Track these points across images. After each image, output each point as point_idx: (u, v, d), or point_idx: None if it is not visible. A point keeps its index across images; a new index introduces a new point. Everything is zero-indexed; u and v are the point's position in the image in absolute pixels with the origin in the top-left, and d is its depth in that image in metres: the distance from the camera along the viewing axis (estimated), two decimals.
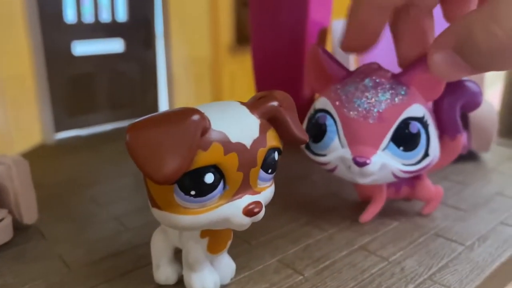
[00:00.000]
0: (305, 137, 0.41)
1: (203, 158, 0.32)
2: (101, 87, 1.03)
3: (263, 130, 0.36)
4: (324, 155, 0.51)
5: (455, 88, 0.51)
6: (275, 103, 0.37)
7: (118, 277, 0.45)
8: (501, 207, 0.60)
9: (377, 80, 0.49)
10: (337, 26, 0.86)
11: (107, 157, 0.83)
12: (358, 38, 0.46)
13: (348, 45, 0.47)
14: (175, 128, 0.32)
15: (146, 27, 1.07)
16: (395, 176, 0.49)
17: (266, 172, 0.37)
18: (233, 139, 0.34)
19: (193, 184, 0.33)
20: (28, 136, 0.93)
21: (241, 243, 0.51)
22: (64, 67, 0.97)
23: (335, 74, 0.52)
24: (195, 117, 0.32)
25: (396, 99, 0.48)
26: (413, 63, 0.49)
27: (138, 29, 1.06)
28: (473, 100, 0.53)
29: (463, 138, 0.55)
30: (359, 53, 0.49)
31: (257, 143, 0.35)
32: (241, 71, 1.21)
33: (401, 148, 0.48)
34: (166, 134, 0.31)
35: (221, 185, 0.34)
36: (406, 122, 0.48)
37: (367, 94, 0.48)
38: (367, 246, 0.50)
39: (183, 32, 1.16)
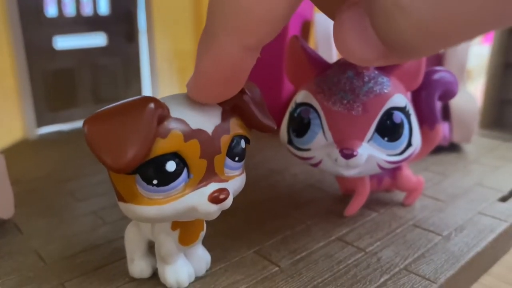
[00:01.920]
0: (272, 124, 0.40)
1: (162, 146, 0.32)
2: (83, 82, 1.02)
3: (226, 117, 0.36)
4: (308, 150, 0.50)
5: (431, 78, 0.52)
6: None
7: (93, 271, 0.44)
8: (480, 197, 0.60)
9: (359, 71, 0.48)
10: (320, 19, 0.86)
11: (88, 152, 0.82)
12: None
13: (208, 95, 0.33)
14: (131, 117, 0.31)
15: (128, 21, 1.06)
16: (380, 167, 0.49)
17: (233, 160, 0.37)
18: (193, 126, 0.34)
19: (154, 173, 0.33)
20: (9, 132, 0.92)
21: (218, 235, 0.51)
22: (46, 62, 0.96)
23: (315, 67, 0.51)
24: (151, 105, 0.32)
25: (379, 89, 0.48)
26: None
27: (120, 22, 1.05)
28: (450, 89, 0.53)
29: (441, 128, 0.55)
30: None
31: (219, 129, 0.35)
32: None
33: (386, 138, 0.48)
34: (122, 123, 0.31)
35: (184, 173, 0.34)
36: (389, 113, 0.48)
37: (350, 86, 0.48)
38: (344, 237, 0.50)
39: (166, 26, 1.15)
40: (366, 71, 0.49)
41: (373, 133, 0.47)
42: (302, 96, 0.51)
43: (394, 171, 0.55)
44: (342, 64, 0.50)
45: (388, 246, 0.48)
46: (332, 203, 0.59)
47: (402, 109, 0.49)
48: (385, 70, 0.49)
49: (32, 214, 0.57)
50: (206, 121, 0.34)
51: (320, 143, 0.49)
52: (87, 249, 0.48)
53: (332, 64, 0.51)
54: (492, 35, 0.94)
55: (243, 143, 0.37)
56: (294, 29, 0.90)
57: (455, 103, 0.76)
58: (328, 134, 0.48)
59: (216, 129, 0.35)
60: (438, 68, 0.53)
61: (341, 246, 0.48)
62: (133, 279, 0.43)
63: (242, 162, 0.38)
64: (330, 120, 0.48)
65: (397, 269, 0.44)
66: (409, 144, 0.49)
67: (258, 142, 0.84)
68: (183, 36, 1.21)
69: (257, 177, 0.69)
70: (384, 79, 0.48)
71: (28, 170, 0.75)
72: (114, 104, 0.33)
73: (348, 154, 0.46)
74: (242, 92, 0.37)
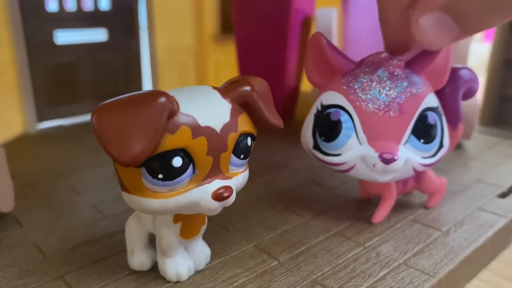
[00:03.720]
0: (279, 122, 0.40)
1: (170, 141, 0.32)
2: (84, 77, 1.02)
3: (234, 115, 0.36)
4: (338, 155, 0.47)
5: (455, 76, 0.50)
6: (247, 88, 0.37)
7: (92, 264, 0.44)
8: (479, 193, 0.61)
9: (391, 70, 0.46)
10: (321, 14, 0.86)
11: (88, 147, 0.83)
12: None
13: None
14: (141, 111, 0.31)
15: (129, 16, 1.06)
16: (415, 171, 0.47)
17: (238, 157, 0.37)
18: (202, 123, 0.33)
19: (160, 167, 0.33)
20: (10, 126, 0.92)
21: (219, 229, 0.51)
22: (46, 57, 0.96)
23: (341, 65, 0.48)
24: (162, 99, 0.31)
25: (414, 89, 0.46)
26: (421, 51, 0.47)
27: (121, 18, 1.05)
28: (472, 87, 0.52)
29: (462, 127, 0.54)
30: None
31: (227, 127, 0.35)
32: (226, 59, 1.21)
33: (422, 140, 0.46)
34: (132, 116, 0.31)
35: (190, 169, 0.34)
36: (424, 114, 0.46)
37: (383, 85, 0.46)
38: (344, 232, 0.50)
39: (167, 21, 1.15)
40: (399, 69, 0.46)
41: (409, 135, 0.46)
42: (330, 97, 0.48)
43: (418, 173, 0.51)
44: (370, 63, 0.47)
45: (387, 241, 0.48)
46: (332, 198, 0.59)
47: (435, 109, 0.47)
48: (415, 68, 0.47)
49: (32, 208, 0.57)
50: (215, 118, 0.34)
51: (352, 147, 0.46)
52: (87, 242, 0.49)
53: (358, 62, 0.48)
54: (492, 32, 0.94)
55: (249, 141, 0.37)
56: (295, 25, 0.89)
57: None
58: (362, 137, 0.45)
59: (225, 126, 0.35)
60: (459, 65, 0.51)
61: (340, 240, 0.48)
62: (133, 272, 0.43)
63: (247, 159, 0.38)
64: (364, 122, 0.45)
65: (396, 263, 0.44)
66: (441, 145, 0.48)
67: (259, 137, 0.84)
68: (183, 31, 1.21)
69: (258, 172, 0.69)
70: (417, 79, 0.46)
71: (28, 164, 0.75)
72: (124, 96, 0.32)
73: (388, 159, 0.44)
74: (252, 88, 0.37)
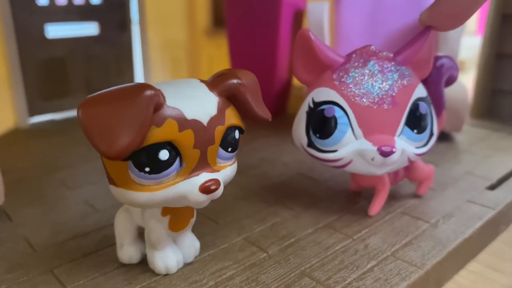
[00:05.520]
0: (267, 115, 0.41)
1: (157, 134, 0.32)
2: (75, 71, 1.01)
3: (221, 108, 0.36)
4: (334, 151, 0.47)
5: (437, 65, 0.51)
6: (234, 81, 0.37)
7: (82, 257, 0.45)
8: (469, 186, 0.61)
9: (381, 63, 0.47)
10: (313, 8, 0.86)
11: (80, 141, 0.82)
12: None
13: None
14: (127, 104, 0.31)
15: (121, 10, 1.06)
16: (409, 161, 0.48)
17: (226, 150, 0.37)
18: (189, 116, 0.34)
19: (147, 160, 0.33)
20: (1, 121, 0.91)
21: (209, 223, 0.51)
22: (37, 51, 0.95)
23: (331, 62, 0.48)
24: (148, 92, 0.31)
25: (405, 80, 0.47)
26: (407, 43, 0.48)
27: (113, 12, 1.04)
28: (453, 74, 0.53)
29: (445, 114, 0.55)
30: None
31: (214, 120, 0.35)
32: (219, 54, 1.21)
33: (415, 131, 0.47)
34: (118, 109, 0.31)
35: (177, 162, 0.34)
36: (416, 104, 0.47)
37: (375, 78, 0.46)
38: (333, 224, 0.50)
39: (159, 15, 1.14)
40: (388, 62, 0.47)
41: (403, 127, 0.46)
42: (322, 94, 0.48)
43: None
44: (359, 57, 0.48)
45: (376, 233, 0.49)
46: (322, 191, 0.59)
47: (425, 99, 0.48)
48: (402, 60, 0.48)
49: (23, 203, 0.57)
50: (202, 111, 0.34)
51: (348, 142, 0.46)
52: (77, 236, 0.49)
53: (346, 57, 0.49)
54: (483, 25, 0.94)
55: (237, 134, 0.38)
56: (286, 19, 0.89)
57: (446, 92, 0.77)
58: (358, 132, 0.46)
59: (212, 119, 0.35)
60: (438, 55, 0.53)
61: (329, 233, 0.49)
62: (122, 265, 0.43)
63: (235, 152, 0.38)
64: (359, 117, 0.46)
65: (384, 255, 0.44)
66: (431, 134, 0.49)
67: (250, 131, 0.84)
68: (175, 26, 1.21)
69: (249, 165, 0.69)
70: (406, 70, 0.47)
71: (19, 159, 0.75)
72: (110, 89, 0.32)
73: (387, 151, 0.44)
74: (239, 81, 0.37)
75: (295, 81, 1.02)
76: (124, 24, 1.06)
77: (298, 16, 0.93)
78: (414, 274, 0.41)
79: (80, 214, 0.54)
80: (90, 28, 1.02)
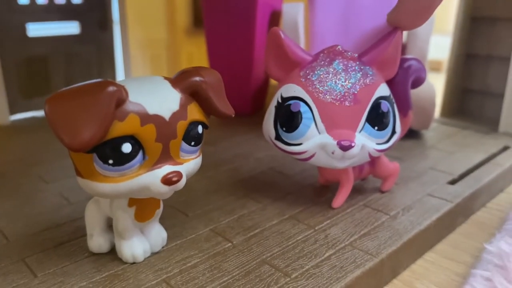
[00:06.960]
0: (229, 112, 0.43)
1: (119, 128, 0.34)
2: (57, 69, 1.03)
3: (183, 104, 0.38)
4: (299, 144, 0.49)
5: (403, 66, 0.54)
6: (197, 78, 0.39)
7: (53, 247, 0.46)
8: (431, 180, 0.64)
9: (345, 62, 0.50)
10: (288, 9, 0.88)
11: None
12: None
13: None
14: (90, 99, 0.33)
15: (102, 9, 1.07)
16: (370, 156, 0.50)
17: (189, 144, 0.39)
18: (151, 111, 0.36)
19: (111, 153, 0.35)
20: None
21: (179, 215, 0.53)
22: (18, 49, 0.97)
23: (298, 59, 0.51)
24: (110, 88, 0.33)
25: (367, 79, 0.49)
26: (372, 44, 0.51)
27: (93, 11, 1.06)
28: (420, 76, 0.56)
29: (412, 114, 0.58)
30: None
31: (176, 115, 0.37)
32: (199, 52, 1.23)
33: (376, 128, 0.49)
34: (81, 104, 0.33)
35: (140, 155, 0.36)
36: (377, 102, 0.49)
37: (339, 77, 0.49)
38: (297, 216, 0.53)
39: (139, 14, 1.16)
40: (352, 61, 0.50)
41: (364, 123, 0.49)
42: (289, 89, 0.50)
43: (373, 159, 0.55)
44: (325, 56, 0.50)
45: (336, 224, 0.51)
46: (291, 185, 0.62)
47: (387, 98, 0.51)
48: (367, 60, 0.51)
49: None
50: (163, 107, 0.36)
51: (312, 136, 0.48)
52: (50, 228, 0.50)
53: (314, 55, 0.51)
54: (453, 26, 0.97)
55: (200, 129, 0.40)
56: (262, 19, 0.92)
57: (414, 91, 0.79)
58: (321, 126, 0.48)
59: (173, 115, 0.37)
60: (407, 56, 0.55)
61: (292, 224, 0.51)
62: (92, 254, 0.45)
63: (199, 146, 0.40)
64: (322, 112, 0.48)
65: (342, 244, 0.47)
66: (393, 132, 0.51)
67: (227, 128, 0.86)
68: (156, 25, 1.22)
69: (222, 161, 0.71)
70: (369, 70, 0.50)
71: None
72: (75, 85, 0.35)
73: (346, 146, 0.47)
74: (201, 79, 0.39)
75: (272, 80, 1.05)
76: (105, 23, 1.08)
77: (275, 16, 0.96)
78: (369, 262, 0.44)
79: (54, 207, 0.56)
80: (71, 27, 1.03)
